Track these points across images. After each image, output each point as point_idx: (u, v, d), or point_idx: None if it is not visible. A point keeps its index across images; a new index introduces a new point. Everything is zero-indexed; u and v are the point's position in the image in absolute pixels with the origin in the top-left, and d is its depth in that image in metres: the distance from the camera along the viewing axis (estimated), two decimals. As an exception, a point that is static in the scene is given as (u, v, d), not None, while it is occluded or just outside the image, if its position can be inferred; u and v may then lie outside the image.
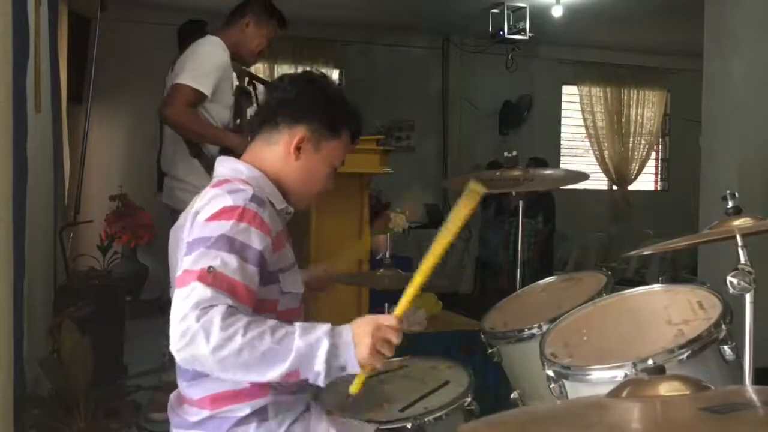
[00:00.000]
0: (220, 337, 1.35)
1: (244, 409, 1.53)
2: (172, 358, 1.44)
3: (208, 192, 1.58)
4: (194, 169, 3.08)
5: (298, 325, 1.44)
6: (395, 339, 1.47)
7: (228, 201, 1.51)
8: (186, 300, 1.39)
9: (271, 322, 1.42)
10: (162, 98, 3.09)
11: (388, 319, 1.49)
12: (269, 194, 1.62)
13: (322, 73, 1.79)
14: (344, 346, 1.43)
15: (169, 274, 1.71)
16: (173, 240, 1.70)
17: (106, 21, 5.15)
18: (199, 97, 2.99)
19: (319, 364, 1.40)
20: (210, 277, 1.41)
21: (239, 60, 3.27)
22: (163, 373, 2.78)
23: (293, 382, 1.46)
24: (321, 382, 1.42)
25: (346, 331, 1.45)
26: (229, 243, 1.45)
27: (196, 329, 1.35)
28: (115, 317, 3.91)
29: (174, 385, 1.66)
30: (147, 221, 5.47)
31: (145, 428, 2.82)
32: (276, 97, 1.71)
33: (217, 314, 1.37)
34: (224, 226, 1.47)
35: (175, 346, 1.38)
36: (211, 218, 1.49)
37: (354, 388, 1.51)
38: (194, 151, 3.09)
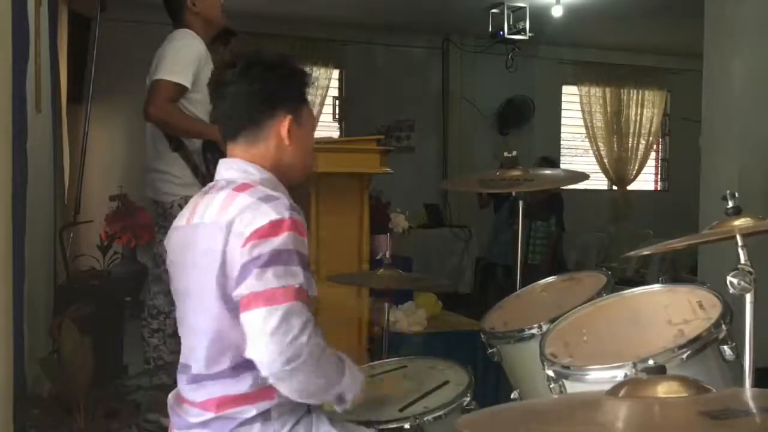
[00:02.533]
0: (315, 364, 1.46)
1: (250, 411, 1.53)
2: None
3: (234, 199, 1.54)
4: (175, 162, 3.09)
5: (347, 361, 1.60)
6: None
7: (272, 213, 1.49)
8: (290, 320, 1.43)
9: (332, 352, 1.55)
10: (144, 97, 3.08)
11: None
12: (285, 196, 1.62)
13: (262, 48, 1.71)
14: (355, 392, 1.61)
15: (167, 274, 1.71)
16: (181, 241, 1.67)
17: (106, 21, 5.15)
18: (179, 91, 2.98)
19: (342, 403, 1.58)
20: (302, 295, 1.47)
21: (215, 30, 3.25)
22: (154, 375, 2.78)
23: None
24: (348, 400, 1.59)
25: (361, 381, 1.63)
26: (299, 258, 1.48)
27: (304, 356, 1.43)
28: (115, 317, 3.91)
29: (169, 386, 1.66)
30: (147, 221, 5.47)
31: (145, 428, 2.82)
32: (235, 94, 1.63)
33: (316, 338, 1.46)
34: (287, 240, 1.48)
35: (276, 366, 1.43)
36: (268, 234, 1.47)
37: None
38: (174, 145, 3.09)
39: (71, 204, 5.07)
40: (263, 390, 1.52)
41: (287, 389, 1.46)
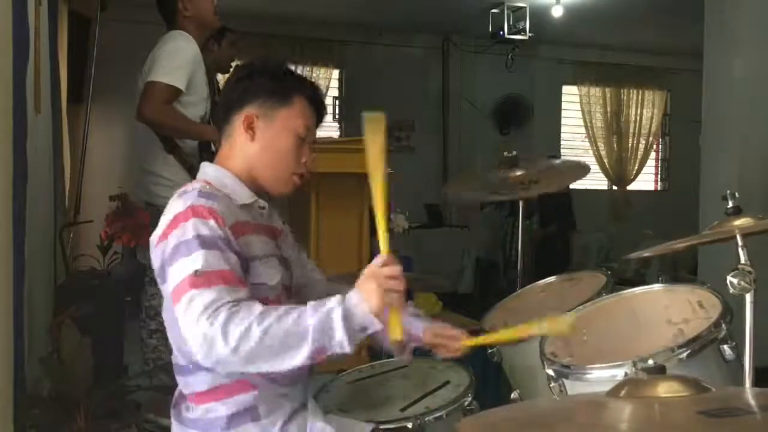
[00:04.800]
0: (237, 334, 1.36)
1: (228, 406, 1.52)
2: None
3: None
4: (169, 164, 3.09)
5: (309, 303, 1.44)
6: (397, 276, 1.47)
7: (179, 206, 1.52)
8: (189, 310, 1.39)
9: (281, 308, 1.42)
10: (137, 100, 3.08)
11: (381, 262, 1.48)
12: (232, 190, 1.61)
13: (268, 57, 1.77)
14: (356, 307, 1.42)
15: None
16: None
17: (106, 21, 5.15)
18: (174, 93, 2.97)
19: (339, 332, 1.40)
20: (200, 279, 1.41)
21: (209, 32, 3.25)
22: (154, 377, 2.78)
23: (324, 359, 1.45)
24: (347, 348, 1.41)
25: (355, 293, 1.45)
26: (199, 241, 1.46)
27: (212, 334, 1.36)
28: (115, 317, 3.91)
29: (169, 386, 1.67)
30: (147, 221, 5.45)
31: (145, 428, 2.82)
32: (222, 94, 1.71)
33: (225, 312, 1.37)
34: (186, 229, 1.47)
35: (198, 355, 1.39)
36: (169, 229, 1.50)
37: (396, 334, 1.47)
38: (169, 147, 3.08)
39: (71, 204, 5.07)
40: (237, 383, 1.53)
41: (236, 368, 1.41)
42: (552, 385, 1.64)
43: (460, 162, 8.24)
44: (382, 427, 1.68)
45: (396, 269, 1.48)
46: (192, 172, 3.08)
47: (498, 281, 7.16)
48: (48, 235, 3.75)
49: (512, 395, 2.07)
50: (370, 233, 3.34)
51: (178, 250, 1.46)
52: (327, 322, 1.40)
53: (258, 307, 1.40)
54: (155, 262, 1.55)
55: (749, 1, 4.55)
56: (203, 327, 1.36)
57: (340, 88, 8.04)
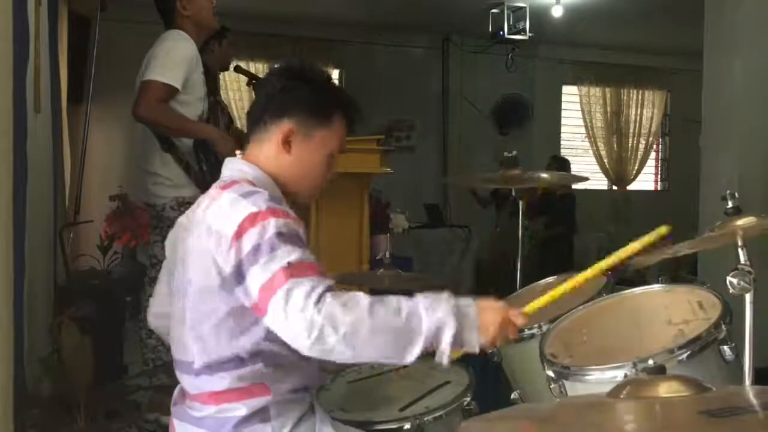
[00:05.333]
0: (348, 322, 1.35)
1: (241, 409, 1.52)
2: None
3: (219, 197, 1.55)
4: (167, 163, 3.09)
5: (420, 299, 1.43)
6: (514, 336, 1.52)
7: (251, 207, 1.49)
8: (291, 300, 1.36)
9: (393, 300, 1.41)
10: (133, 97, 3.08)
11: (515, 316, 1.51)
12: (276, 196, 1.61)
13: (311, 63, 1.76)
14: (469, 330, 1.43)
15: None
16: (171, 241, 1.70)
17: (106, 21, 5.15)
18: (170, 92, 2.97)
19: (445, 346, 1.41)
20: (295, 270, 1.40)
21: (207, 33, 3.25)
22: (153, 376, 2.78)
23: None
24: (445, 361, 1.42)
25: (473, 312, 1.45)
26: (283, 238, 1.44)
27: (320, 322, 1.34)
28: (115, 317, 3.92)
29: (169, 386, 1.66)
30: (147, 221, 5.46)
31: (145, 428, 2.82)
32: (262, 94, 1.70)
33: (332, 300, 1.36)
34: (269, 227, 1.45)
35: (303, 344, 1.36)
36: (245, 227, 1.46)
37: (456, 354, 1.47)
38: (166, 145, 3.08)
39: (71, 204, 5.07)
40: (256, 386, 1.52)
41: (342, 358, 1.39)
42: (552, 386, 1.64)
43: (460, 162, 8.24)
44: (381, 427, 1.68)
45: (516, 334, 1.53)
46: (189, 171, 3.08)
47: (498, 281, 7.16)
48: (48, 235, 3.75)
49: (512, 396, 2.08)
50: (370, 233, 3.34)
51: (262, 248, 1.43)
52: (438, 332, 1.40)
53: (365, 298, 1.39)
54: (228, 261, 1.47)
55: (749, 1, 4.55)
56: (310, 314, 1.34)
57: (340, 88, 8.03)
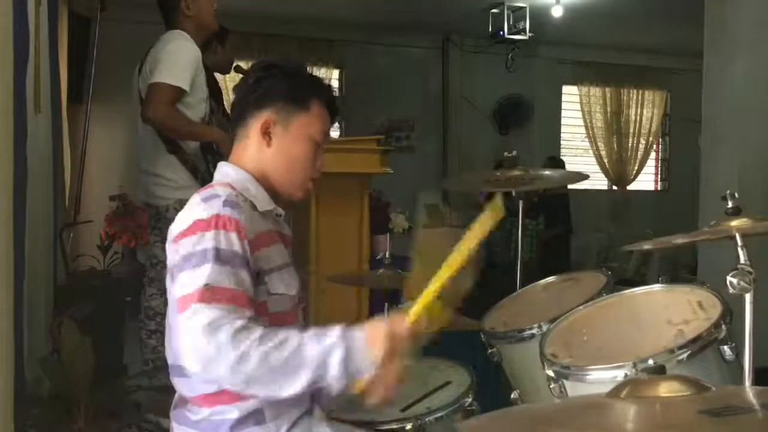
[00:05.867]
0: (234, 357, 1.35)
1: (233, 411, 1.51)
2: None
3: (190, 201, 1.57)
4: (171, 165, 3.09)
5: (310, 333, 1.42)
6: (405, 349, 1.45)
7: (201, 213, 1.49)
8: (191, 324, 1.38)
9: (282, 333, 1.40)
10: (136, 100, 3.08)
11: (400, 327, 1.46)
12: (254, 196, 1.61)
13: (285, 57, 1.77)
14: (357, 351, 1.40)
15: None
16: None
17: (106, 21, 5.15)
18: (178, 94, 2.98)
19: (334, 371, 1.38)
20: (208, 294, 1.40)
21: (206, 34, 3.26)
22: (153, 377, 2.78)
23: (316, 389, 1.44)
24: (336, 387, 1.40)
25: (359, 335, 1.42)
26: (215, 254, 1.44)
27: (210, 353, 1.35)
28: (115, 317, 3.92)
29: (169, 387, 1.66)
30: (147, 221, 5.46)
31: (144, 428, 2.82)
32: (239, 93, 1.69)
33: (226, 334, 1.36)
34: (205, 239, 1.45)
35: (192, 370, 1.38)
36: (187, 233, 1.48)
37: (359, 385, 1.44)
38: (171, 148, 3.09)
39: (71, 204, 5.08)
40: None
41: (229, 387, 1.41)
42: (552, 386, 1.64)
43: (460, 162, 8.24)
44: (382, 427, 1.68)
45: (407, 346, 1.46)
46: (195, 173, 3.09)
47: (498, 281, 7.16)
48: (48, 235, 3.75)
49: (512, 395, 2.08)
50: (370, 233, 3.34)
51: (192, 258, 1.44)
52: (326, 359, 1.38)
53: (257, 331, 1.38)
54: (170, 259, 1.52)
55: (749, 1, 4.55)
56: (201, 343, 1.35)
57: (340, 88, 8.03)
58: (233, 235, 1.47)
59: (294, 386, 1.38)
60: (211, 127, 3.15)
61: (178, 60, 3.00)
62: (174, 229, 1.52)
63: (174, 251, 1.50)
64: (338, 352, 1.39)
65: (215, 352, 1.35)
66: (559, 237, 6.77)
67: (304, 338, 1.40)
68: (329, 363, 1.38)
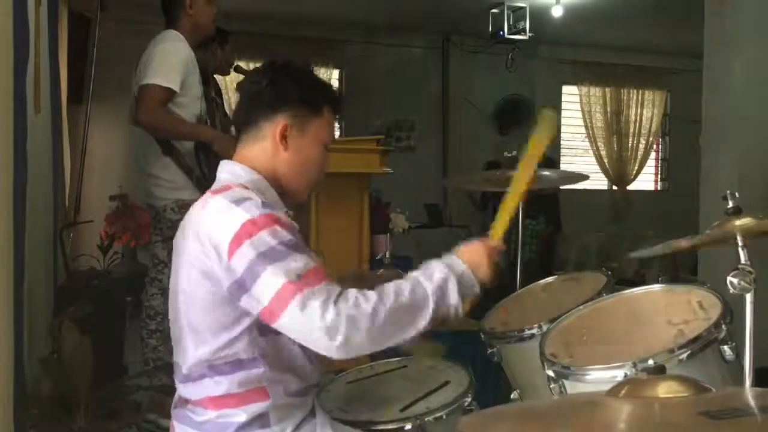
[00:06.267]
0: (368, 316, 1.41)
1: (240, 415, 1.51)
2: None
3: (209, 202, 1.54)
4: (166, 166, 3.10)
5: (414, 275, 1.54)
6: (496, 258, 1.65)
7: (245, 215, 1.47)
8: (306, 317, 1.39)
9: (389, 284, 1.49)
10: (131, 102, 3.10)
11: (494, 243, 1.68)
12: (270, 199, 1.60)
13: (292, 59, 1.74)
14: (466, 275, 1.56)
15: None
16: (174, 245, 1.69)
17: (106, 21, 5.15)
18: (168, 95, 2.99)
19: (453, 300, 1.53)
20: (301, 282, 1.41)
21: (202, 37, 3.28)
22: (153, 377, 2.79)
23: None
24: (460, 311, 1.55)
25: (457, 262, 1.57)
26: (283, 246, 1.44)
27: (342, 323, 1.39)
28: (115, 317, 3.91)
29: (169, 387, 1.66)
30: (147, 221, 5.46)
31: (144, 428, 2.82)
32: (247, 94, 1.68)
33: (345, 304, 1.41)
34: (266, 238, 1.44)
35: (330, 348, 1.41)
36: (244, 237, 1.45)
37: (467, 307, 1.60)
38: (166, 149, 3.10)
39: (71, 204, 5.07)
40: (254, 391, 1.52)
41: (365, 351, 1.46)
42: (552, 386, 1.64)
43: (460, 162, 8.24)
44: (382, 427, 1.67)
45: (498, 252, 1.67)
46: (190, 174, 3.09)
47: (498, 281, 7.17)
48: (48, 235, 3.75)
49: (512, 395, 2.08)
50: (370, 233, 3.34)
51: (266, 257, 1.43)
52: (444, 291, 1.51)
53: (371, 293, 1.45)
54: (229, 274, 1.46)
55: (749, 1, 4.55)
56: (330, 320, 1.39)
57: (340, 88, 8.03)
58: (286, 227, 1.49)
59: (420, 324, 1.49)
60: (203, 126, 3.16)
61: (167, 61, 3.02)
62: (219, 238, 1.47)
63: (237, 259, 1.44)
64: (452, 284, 1.53)
65: (346, 320, 1.39)
66: (551, 236, 6.86)
67: (414, 281, 1.52)
68: (447, 294, 1.52)
